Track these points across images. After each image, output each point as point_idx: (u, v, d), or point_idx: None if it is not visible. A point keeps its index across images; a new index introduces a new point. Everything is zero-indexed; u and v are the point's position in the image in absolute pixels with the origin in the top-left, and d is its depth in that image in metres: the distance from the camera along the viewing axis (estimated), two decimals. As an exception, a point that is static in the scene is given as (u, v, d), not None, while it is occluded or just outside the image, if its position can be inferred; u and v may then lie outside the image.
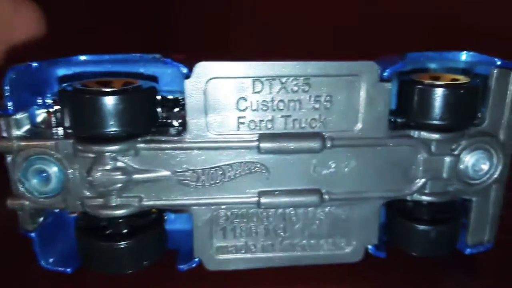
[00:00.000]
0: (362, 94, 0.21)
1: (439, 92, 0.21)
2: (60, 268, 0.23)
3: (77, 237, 0.22)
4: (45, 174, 0.21)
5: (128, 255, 0.22)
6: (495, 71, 0.22)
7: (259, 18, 0.54)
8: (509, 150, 0.23)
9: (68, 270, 0.23)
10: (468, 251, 0.24)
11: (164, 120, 0.23)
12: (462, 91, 0.21)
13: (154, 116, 0.22)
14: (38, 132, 0.22)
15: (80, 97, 0.20)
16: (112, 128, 0.20)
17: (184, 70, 0.20)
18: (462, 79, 0.22)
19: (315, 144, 0.21)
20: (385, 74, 0.21)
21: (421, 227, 0.23)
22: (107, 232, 0.22)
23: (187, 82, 0.20)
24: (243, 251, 0.23)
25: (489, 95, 0.22)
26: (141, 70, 0.23)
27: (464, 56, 0.23)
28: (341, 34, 0.54)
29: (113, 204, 0.21)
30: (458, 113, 0.22)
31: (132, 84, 0.21)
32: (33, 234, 0.22)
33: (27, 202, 0.21)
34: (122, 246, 0.22)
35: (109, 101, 0.20)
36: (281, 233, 0.23)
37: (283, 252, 0.23)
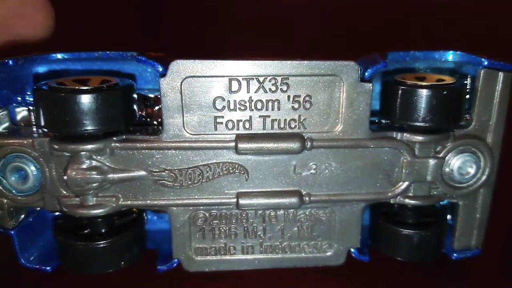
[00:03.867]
0: (342, 94, 0.21)
1: (422, 93, 0.20)
2: (39, 267, 0.23)
3: (55, 236, 0.22)
4: (22, 172, 0.21)
5: (107, 254, 0.22)
6: (482, 72, 0.21)
7: (258, 19, 0.54)
8: (497, 153, 0.22)
9: (48, 268, 0.23)
10: (454, 256, 0.24)
11: (144, 119, 0.23)
12: (446, 92, 0.21)
13: (131, 115, 0.21)
14: (16, 130, 0.22)
15: (53, 95, 0.20)
16: (87, 127, 0.20)
17: (160, 68, 0.20)
18: (448, 79, 0.21)
19: (294, 145, 0.21)
20: (366, 74, 0.21)
21: (405, 231, 0.23)
22: (86, 231, 0.22)
23: (162, 80, 0.20)
24: (222, 253, 0.23)
25: (476, 96, 0.21)
26: (123, 68, 0.22)
27: (450, 56, 0.22)
28: (337, 33, 0.53)
29: (90, 204, 0.21)
30: (442, 115, 0.21)
31: (109, 82, 0.21)
32: (12, 232, 0.22)
33: (5, 200, 0.21)
34: (101, 245, 0.22)
35: (83, 100, 0.19)
36: (261, 235, 0.23)
37: (264, 254, 0.23)
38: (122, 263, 0.22)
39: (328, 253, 0.23)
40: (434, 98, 0.20)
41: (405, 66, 0.23)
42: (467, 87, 0.22)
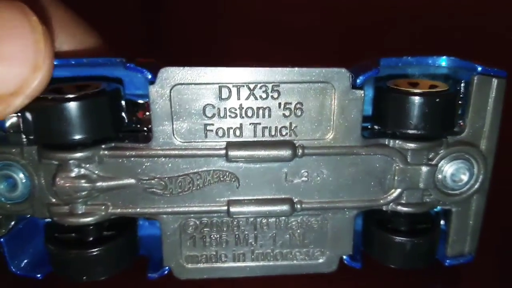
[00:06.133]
0: (334, 101, 0.20)
1: (415, 100, 0.20)
2: (30, 274, 0.23)
3: (46, 244, 0.22)
4: (11, 180, 0.21)
5: (98, 262, 0.22)
6: (476, 78, 0.21)
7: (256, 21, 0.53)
8: (491, 160, 0.22)
9: (39, 276, 0.22)
10: (448, 262, 0.23)
11: (133, 125, 0.22)
12: (438, 100, 0.20)
13: (119, 121, 0.21)
14: (5, 137, 0.22)
15: (38, 105, 0.19)
16: (74, 135, 0.19)
17: (149, 76, 0.20)
18: (441, 86, 0.21)
19: (285, 152, 0.21)
20: (358, 81, 0.20)
21: (398, 238, 0.23)
22: (76, 239, 0.22)
23: (151, 88, 0.20)
24: (213, 261, 0.23)
25: (469, 102, 0.21)
26: (113, 73, 0.22)
27: (444, 62, 0.22)
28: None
29: (79, 212, 0.21)
30: (435, 122, 0.21)
31: (90, 88, 0.20)
32: (2, 240, 0.22)
33: None
34: (92, 253, 0.21)
35: (69, 108, 0.19)
36: (253, 243, 0.23)
37: (255, 261, 0.23)
38: (115, 270, 0.22)
39: (320, 260, 0.23)
40: (426, 105, 0.20)
41: (398, 72, 0.23)
42: (461, 93, 0.22)
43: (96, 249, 0.21)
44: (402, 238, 0.23)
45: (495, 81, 0.21)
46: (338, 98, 0.20)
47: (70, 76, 0.21)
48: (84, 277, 0.22)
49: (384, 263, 0.23)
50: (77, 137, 0.19)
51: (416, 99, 0.20)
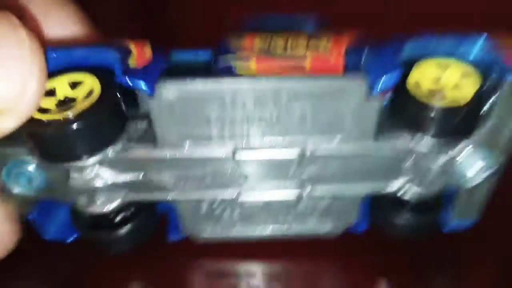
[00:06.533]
0: (347, 110, 0.19)
1: (434, 113, 0.19)
2: (60, 238, 0.25)
3: (73, 223, 0.24)
4: (28, 174, 0.22)
5: (124, 240, 0.23)
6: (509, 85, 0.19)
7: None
8: (509, 151, 0.21)
9: (69, 239, 0.25)
10: (450, 228, 0.24)
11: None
12: (462, 112, 0.19)
13: (121, 120, 0.20)
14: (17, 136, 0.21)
15: (37, 131, 0.18)
16: (77, 153, 0.19)
17: (147, 90, 0.18)
18: (473, 77, 0.19)
19: (293, 156, 0.20)
20: (376, 88, 0.18)
21: (404, 213, 0.23)
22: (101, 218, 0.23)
23: (151, 102, 0.19)
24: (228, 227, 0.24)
25: (496, 107, 0.19)
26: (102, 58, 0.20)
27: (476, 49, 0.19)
28: None
29: (98, 203, 0.22)
30: (454, 132, 0.19)
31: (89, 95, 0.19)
32: (30, 216, 0.23)
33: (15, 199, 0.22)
34: (117, 233, 0.23)
35: (67, 133, 0.18)
36: (263, 218, 0.24)
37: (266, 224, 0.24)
38: (140, 242, 0.24)
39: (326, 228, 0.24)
40: (447, 118, 0.19)
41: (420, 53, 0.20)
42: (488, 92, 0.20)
43: (121, 229, 0.23)
44: (408, 214, 0.23)
45: None
46: (351, 108, 0.19)
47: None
48: (111, 252, 0.24)
49: (388, 234, 0.25)
50: (81, 153, 0.19)
51: (437, 112, 0.19)
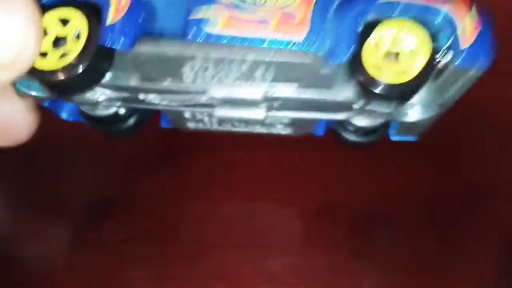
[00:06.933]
0: (305, 75, 0.22)
1: (380, 88, 0.21)
2: (77, 118, 0.30)
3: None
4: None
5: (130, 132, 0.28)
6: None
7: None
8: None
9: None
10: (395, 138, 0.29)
11: None
12: (407, 88, 0.21)
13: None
14: None
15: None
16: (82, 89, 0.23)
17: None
18: (423, 52, 0.21)
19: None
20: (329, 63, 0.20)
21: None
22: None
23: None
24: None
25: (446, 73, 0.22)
26: None
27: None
28: None
29: (102, 110, 0.27)
30: (399, 98, 0.22)
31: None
32: (47, 104, 0.28)
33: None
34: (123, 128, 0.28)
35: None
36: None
37: None
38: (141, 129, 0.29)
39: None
40: (391, 92, 0.21)
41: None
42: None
43: (126, 125, 0.28)
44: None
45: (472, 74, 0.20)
46: (308, 72, 0.21)
47: None
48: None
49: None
50: (85, 86, 0.23)
51: (382, 88, 0.21)
